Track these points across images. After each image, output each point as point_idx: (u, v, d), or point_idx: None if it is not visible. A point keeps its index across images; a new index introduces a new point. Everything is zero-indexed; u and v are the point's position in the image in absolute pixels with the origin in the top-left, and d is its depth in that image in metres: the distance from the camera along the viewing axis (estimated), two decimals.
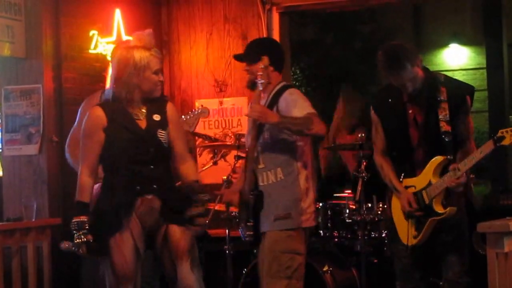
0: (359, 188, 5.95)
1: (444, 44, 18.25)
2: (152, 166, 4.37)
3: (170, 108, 4.56)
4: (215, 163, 6.46)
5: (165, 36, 8.01)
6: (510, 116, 14.11)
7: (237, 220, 5.93)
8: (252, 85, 5.08)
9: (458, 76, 18.08)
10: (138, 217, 4.36)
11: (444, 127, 4.64)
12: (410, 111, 4.80)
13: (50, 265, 6.41)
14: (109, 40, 7.09)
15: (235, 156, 6.38)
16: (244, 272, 6.17)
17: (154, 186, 4.37)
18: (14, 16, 6.55)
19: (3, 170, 6.86)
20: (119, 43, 4.33)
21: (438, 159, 4.71)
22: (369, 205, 6.12)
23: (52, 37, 6.74)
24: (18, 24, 6.58)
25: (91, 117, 4.39)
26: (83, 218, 4.29)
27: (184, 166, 4.54)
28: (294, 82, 14.22)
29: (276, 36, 7.55)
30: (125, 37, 7.17)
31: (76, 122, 5.47)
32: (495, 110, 14.03)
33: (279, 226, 4.96)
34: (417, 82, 4.69)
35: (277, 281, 4.93)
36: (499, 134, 4.44)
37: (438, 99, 4.69)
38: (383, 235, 6.04)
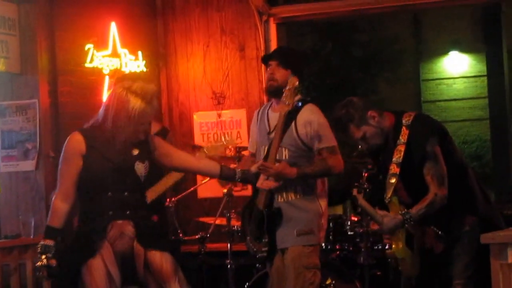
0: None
1: (444, 52, 18.21)
2: (126, 193, 4.35)
3: (151, 139, 4.51)
4: None
5: (162, 49, 7.96)
6: None
7: (240, 234, 5.87)
8: (274, 93, 5.08)
9: (459, 83, 18.05)
10: (109, 241, 4.32)
11: (393, 169, 4.62)
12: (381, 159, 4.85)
13: (50, 283, 6.31)
14: (105, 53, 7.04)
15: None
16: (246, 286, 6.13)
17: (127, 212, 4.35)
18: (9, 31, 6.51)
19: (0, 187, 6.80)
20: (120, 76, 4.29)
21: None
22: None
23: (47, 52, 6.70)
24: (13, 39, 6.53)
25: (71, 142, 4.37)
26: (49, 242, 4.29)
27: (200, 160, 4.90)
28: None
29: (274, 47, 7.49)
30: (120, 50, 7.12)
31: None
32: (496, 117, 14.02)
33: (304, 241, 4.99)
34: (374, 138, 4.73)
35: None
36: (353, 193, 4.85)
37: (398, 144, 4.68)
38: (386, 246, 5.98)
